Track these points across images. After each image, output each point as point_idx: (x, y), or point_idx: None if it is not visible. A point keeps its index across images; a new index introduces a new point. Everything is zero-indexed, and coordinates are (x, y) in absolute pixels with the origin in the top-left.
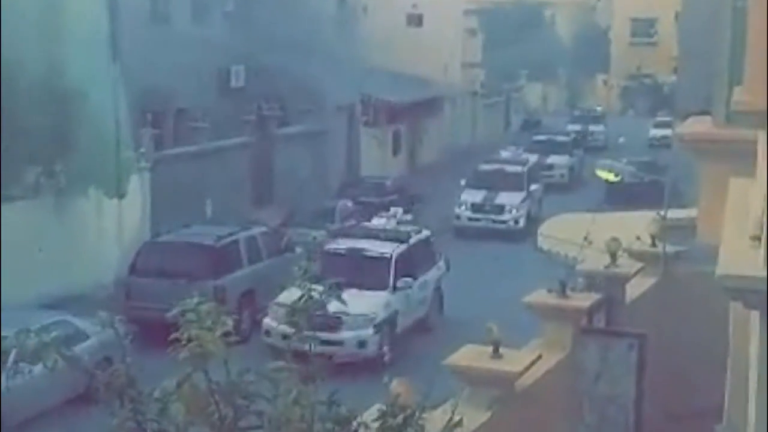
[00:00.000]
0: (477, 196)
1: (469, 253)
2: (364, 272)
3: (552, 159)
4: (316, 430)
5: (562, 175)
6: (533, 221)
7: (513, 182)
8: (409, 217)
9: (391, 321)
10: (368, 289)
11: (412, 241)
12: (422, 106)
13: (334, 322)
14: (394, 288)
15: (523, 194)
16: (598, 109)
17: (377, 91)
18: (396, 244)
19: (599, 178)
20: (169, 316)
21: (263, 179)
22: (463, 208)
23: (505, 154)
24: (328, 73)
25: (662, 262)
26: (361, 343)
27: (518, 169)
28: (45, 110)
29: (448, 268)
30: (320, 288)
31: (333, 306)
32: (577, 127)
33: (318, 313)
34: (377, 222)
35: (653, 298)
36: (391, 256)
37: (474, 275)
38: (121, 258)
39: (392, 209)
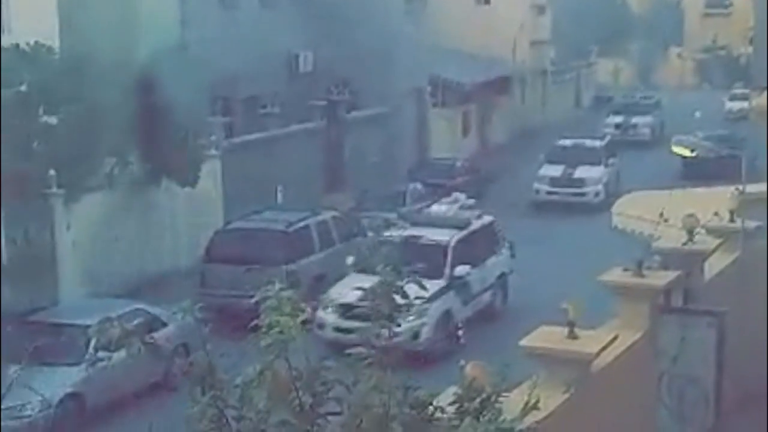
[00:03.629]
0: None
1: None
2: None
3: (581, 171)
4: (393, 415)
5: (596, 194)
6: None
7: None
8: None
9: None
10: None
11: None
12: (491, 86)
13: None
14: None
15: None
16: (653, 95)
17: (446, 72)
18: None
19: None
20: (249, 303)
21: (333, 164)
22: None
23: (438, 207)
24: (396, 55)
25: (741, 238)
26: None
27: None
28: (117, 101)
29: None
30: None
31: None
32: (618, 119)
33: None
34: None
35: (733, 275)
36: None
37: None
38: (195, 245)
39: None
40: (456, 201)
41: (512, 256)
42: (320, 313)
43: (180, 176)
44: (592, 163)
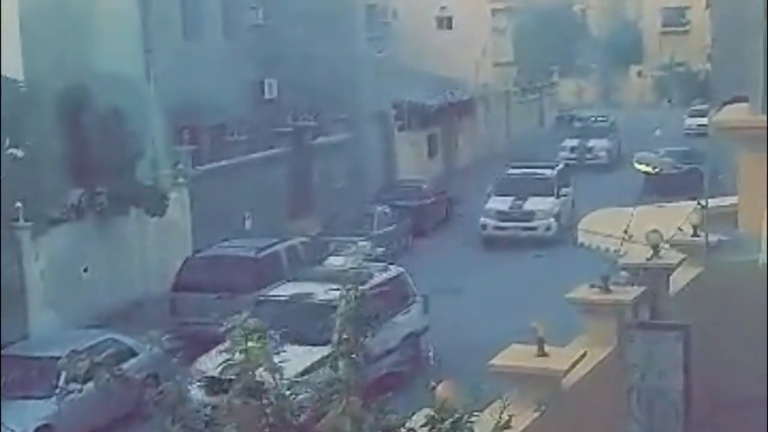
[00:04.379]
0: None
1: None
2: None
3: (531, 203)
4: None
5: (547, 228)
6: None
7: None
8: None
9: None
10: None
11: None
12: (456, 108)
13: None
14: None
15: None
16: (607, 118)
17: (410, 96)
18: None
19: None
20: (219, 331)
21: (301, 189)
22: None
23: (335, 260)
24: (360, 80)
25: (705, 252)
26: None
27: None
28: (83, 132)
29: None
30: None
31: None
32: (574, 143)
33: None
34: None
35: (697, 289)
36: None
37: None
38: (164, 274)
39: None
40: (359, 252)
41: (425, 311)
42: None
43: (148, 205)
44: (542, 194)
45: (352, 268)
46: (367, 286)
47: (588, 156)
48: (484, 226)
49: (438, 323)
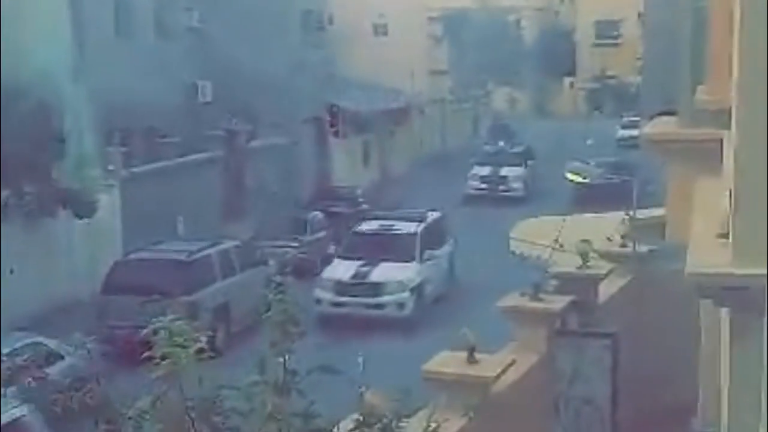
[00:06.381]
0: None
1: None
2: None
3: (381, 272)
4: None
5: (399, 305)
6: None
7: None
8: None
9: None
10: None
11: None
12: (390, 115)
13: None
14: None
15: None
16: (515, 148)
17: (345, 102)
18: None
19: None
20: (142, 335)
21: (234, 193)
22: None
23: None
24: (295, 84)
25: (633, 261)
26: None
27: None
28: (10, 132)
29: None
30: None
31: None
32: (485, 171)
33: None
34: None
35: (626, 298)
36: None
37: None
38: (93, 277)
39: None
40: None
41: None
42: None
43: (77, 207)
44: (398, 259)
45: None
46: None
47: (501, 187)
48: (318, 301)
49: None
